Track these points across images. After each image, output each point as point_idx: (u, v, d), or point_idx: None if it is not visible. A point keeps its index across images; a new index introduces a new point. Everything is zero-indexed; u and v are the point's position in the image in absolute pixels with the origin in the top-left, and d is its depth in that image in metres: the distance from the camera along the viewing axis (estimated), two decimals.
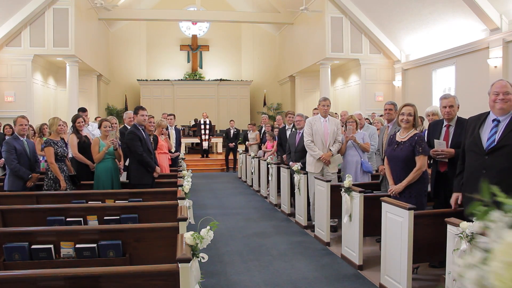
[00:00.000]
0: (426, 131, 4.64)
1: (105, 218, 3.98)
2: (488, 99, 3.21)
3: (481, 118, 3.27)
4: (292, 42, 17.19)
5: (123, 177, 5.93)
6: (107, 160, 5.36)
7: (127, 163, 5.92)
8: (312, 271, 4.34)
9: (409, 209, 3.48)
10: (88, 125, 6.92)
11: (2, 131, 8.36)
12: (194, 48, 19.33)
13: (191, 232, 2.51)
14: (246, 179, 10.86)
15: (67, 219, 3.92)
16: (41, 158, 6.80)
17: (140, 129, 5.39)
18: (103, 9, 14.17)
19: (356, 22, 13.33)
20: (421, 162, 3.91)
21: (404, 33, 12.36)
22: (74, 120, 5.77)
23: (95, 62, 15.00)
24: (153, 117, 6.68)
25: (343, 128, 6.37)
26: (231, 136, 13.14)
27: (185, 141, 14.86)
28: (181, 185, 4.87)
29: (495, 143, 3.10)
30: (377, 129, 6.36)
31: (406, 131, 4.06)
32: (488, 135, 3.17)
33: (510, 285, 0.67)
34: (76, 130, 5.71)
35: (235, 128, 13.38)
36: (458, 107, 4.22)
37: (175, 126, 9.38)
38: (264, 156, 9.29)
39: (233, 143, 13.05)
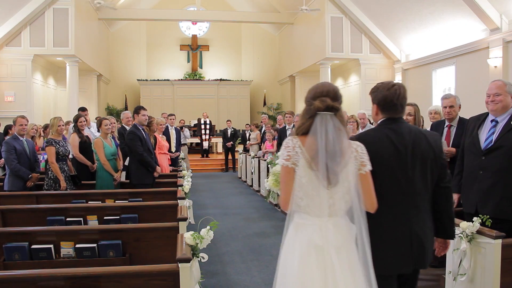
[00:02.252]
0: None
1: (105, 218, 3.99)
2: None
3: (481, 119, 3.28)
4: (292, 42, 17.18)
5: (122, 177, 5.93)
6: (110, 160, 5.38)
7: (126, 163, 5.92)
8: None
9: None
10: (90, 127, 6.88)
11: (2, 131, 8.35)
12: (194, 48, 19.33)
13: (191, 232, 2.51)
14: (246, 179, 10.86)
15: (67, 219, 3.92)
16: (41, 158, 6.80)
17: (140, 129, 5.39)
18: (103, 9, 14.17)
19: (356, 22, 13.32)
20: None
21: (404, 33, 12.36)
22: (76, 119, 5.75)
23: (95, 62, 14.99)
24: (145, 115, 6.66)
25: None
26: (228, 136, 13.23)
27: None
28: (181, 185, 4.88)
29: (492, 143, 3.10)
30: None
31: None
32: (486, 136, 3.17)
33: (272, 184, 2.25)
34: (78, 130, 5.71)
35: (232, 128, 13.46)
36: (460, 107, 4.21)
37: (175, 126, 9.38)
38: (264, 156, 9.29)
39: (230, 142, 13.14)
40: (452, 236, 2.33)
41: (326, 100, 1.92)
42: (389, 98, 2.20)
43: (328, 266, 1.85)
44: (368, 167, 1.96)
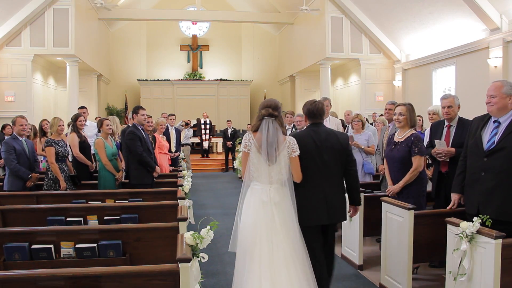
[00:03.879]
0: (428, 132, 4.64)
1: (105, 218, 3.98)
2: None
3: (484, 119, 3.26)
4: (292, 42, 17.18)
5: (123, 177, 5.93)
6: (112, 160, 5.39)
7: None
8: None
9: (409, 209, 3.48)
10: (86, 124, 6.85)
11: (1, 131, 8.35)
12: (194, 48, 19.32)
13: (191, 232, 2.51)
14: None
15: (67, 219, 3.91)
16: (41, 158, 6.78)
17: (140, 128, 5.38)
18: (103, 9, 14.16)
19: (356, 22, 13.33)
20: (417, 162, 3.88)
21: (404, 33, 12.36)
22: (75, 119, 5.74)
23: (95, 62, 14.98)
24: (150, 116, 6.67)
25: (346, 127, 6.34)
26: (229, 135, 13.28)
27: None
28: (181, 185, 4.88)
29: (494, 145, 3.08)
30: (378, 129, 6.33)
31: (403, 131, 4.05)
32: (488, 137, 3.15)
33: (238, 164, 5.56)
34: (77, 130, 5.69)
35: (232, 127, 13.50)
36: (459, 107, 4.20)
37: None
38: None
39: (230, 142, 13.20)
40: (358, 204, 3.42)
41: (268, 109, 3.04)
42: (311, 110, 3.32)
43: (270, 213, 2.99)
44: (296, 153, 3.06)
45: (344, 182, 3.33)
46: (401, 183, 3.95)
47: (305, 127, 3.44)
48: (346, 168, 3.28)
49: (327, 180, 3.20)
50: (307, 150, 3.17)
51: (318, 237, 3.23)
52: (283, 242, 2.94)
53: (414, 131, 4.04)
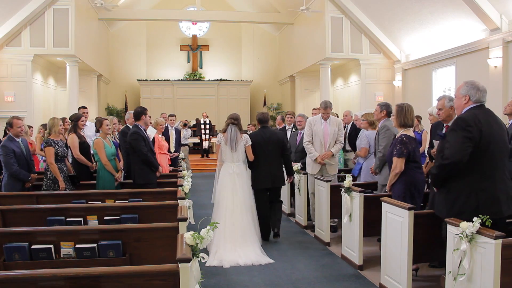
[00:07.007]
0: (429, 132, 4.69)
1: (105, 218, 3.98)
2: None
3: None
4: (292, 42, 17.18)
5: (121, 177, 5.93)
6: (110, 160, 5.39)
7: None
8: (312, 271, 4.34)
9: (409, 209, 3.49)
10: (86, 124, 6.85)
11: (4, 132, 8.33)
12: (194, 48, 19.32)
13: (191, 232, 2.51)
14: None
15: (67, 219, 3.91)
16: (41, 158, 6.77)
17: (142, 129, 5.41)
18: (103, 9, 14.16)
19: (356, 22, 13.32)
20: (394, 163, 4.01)
21: (404, 33, 12.35)
22: (77, 119, 5.70)
23: (95, 62, 14.97)
24: (149, 116, 6.68)
25: (345, 127, 6.31)
26: None
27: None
28: (181, 185, 4.87)
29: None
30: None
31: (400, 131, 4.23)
32: None
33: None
34: (76, 130, 5.67)
35: None
36: (452, 108, 4.11)
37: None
38: None
39: None
40: (291, 174, 5.73)
41: (232, 120, 5.12)
42: (261, 119, 5.51)
43: (233, 179, 4.99)
44: (249, 143, 5.13)
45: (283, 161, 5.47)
46: (388, 183, 4.21)
47: (257, 129, 5.57)
48: (282, 153, 5.41)
49: (271, 161, 5.29)
50: (258, 143, 5.24)
51: (265, 196, 5.35)
52: (240, 197, 4.92)
53: (407, 132, 4.09)
